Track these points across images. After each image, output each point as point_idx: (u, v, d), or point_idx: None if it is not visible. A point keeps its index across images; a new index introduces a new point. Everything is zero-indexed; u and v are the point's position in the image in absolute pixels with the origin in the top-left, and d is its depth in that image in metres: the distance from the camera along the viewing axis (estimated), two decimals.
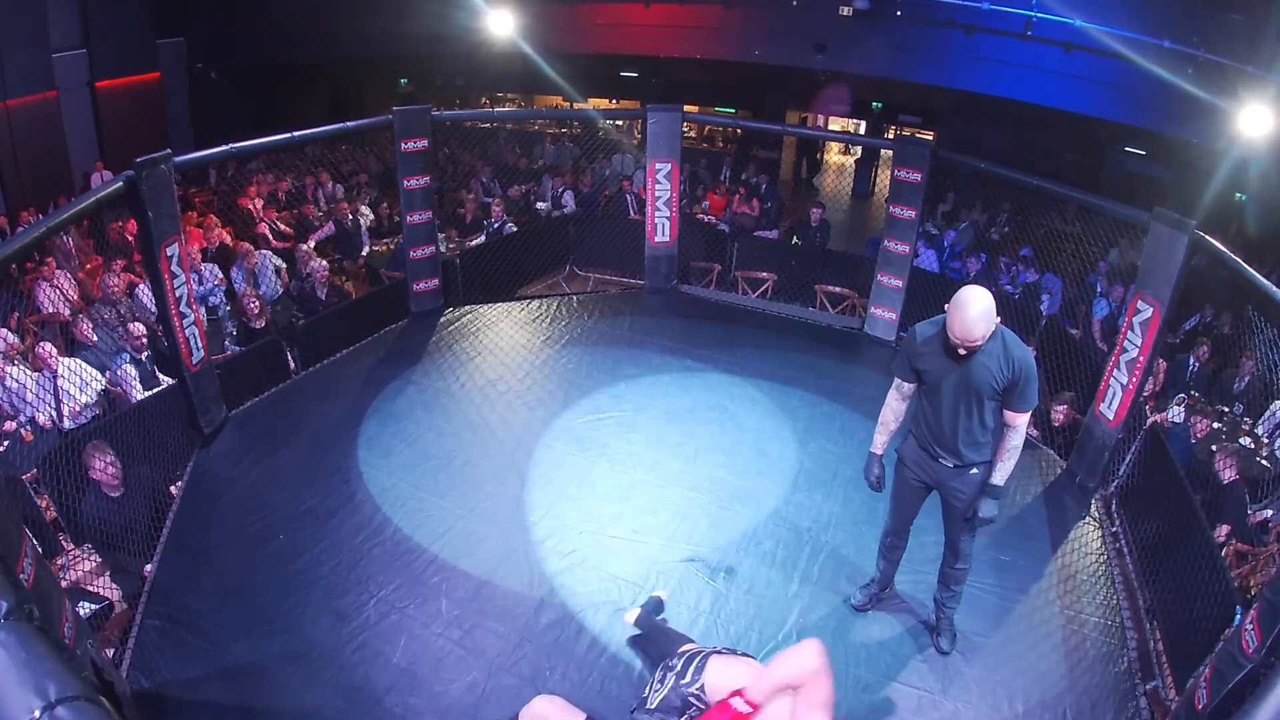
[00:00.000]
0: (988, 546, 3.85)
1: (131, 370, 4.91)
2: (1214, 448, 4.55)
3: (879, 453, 3.13)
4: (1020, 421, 2.79)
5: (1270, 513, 4.34)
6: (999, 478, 2.89)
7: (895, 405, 3.06)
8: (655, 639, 3.11)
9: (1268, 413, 5.38)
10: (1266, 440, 5.17)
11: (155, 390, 4.78)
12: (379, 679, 3.05)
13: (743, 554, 3.82)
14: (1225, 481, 4.30)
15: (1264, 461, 4.82)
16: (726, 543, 3.89)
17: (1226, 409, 5.59)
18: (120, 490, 3.69)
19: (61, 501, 3.65)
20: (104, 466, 3.60)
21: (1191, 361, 5.97)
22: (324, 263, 6.17)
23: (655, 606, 3.40)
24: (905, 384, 2.96)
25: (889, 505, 3.29)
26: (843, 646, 3.31)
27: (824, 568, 3.75)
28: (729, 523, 4.03)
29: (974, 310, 2.53)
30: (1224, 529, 4.14)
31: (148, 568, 3.63)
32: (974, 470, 2.91)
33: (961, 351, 2.64)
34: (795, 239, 7.96)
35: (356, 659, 3.14)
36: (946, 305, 2.65)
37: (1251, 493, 4.47)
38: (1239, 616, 2.91)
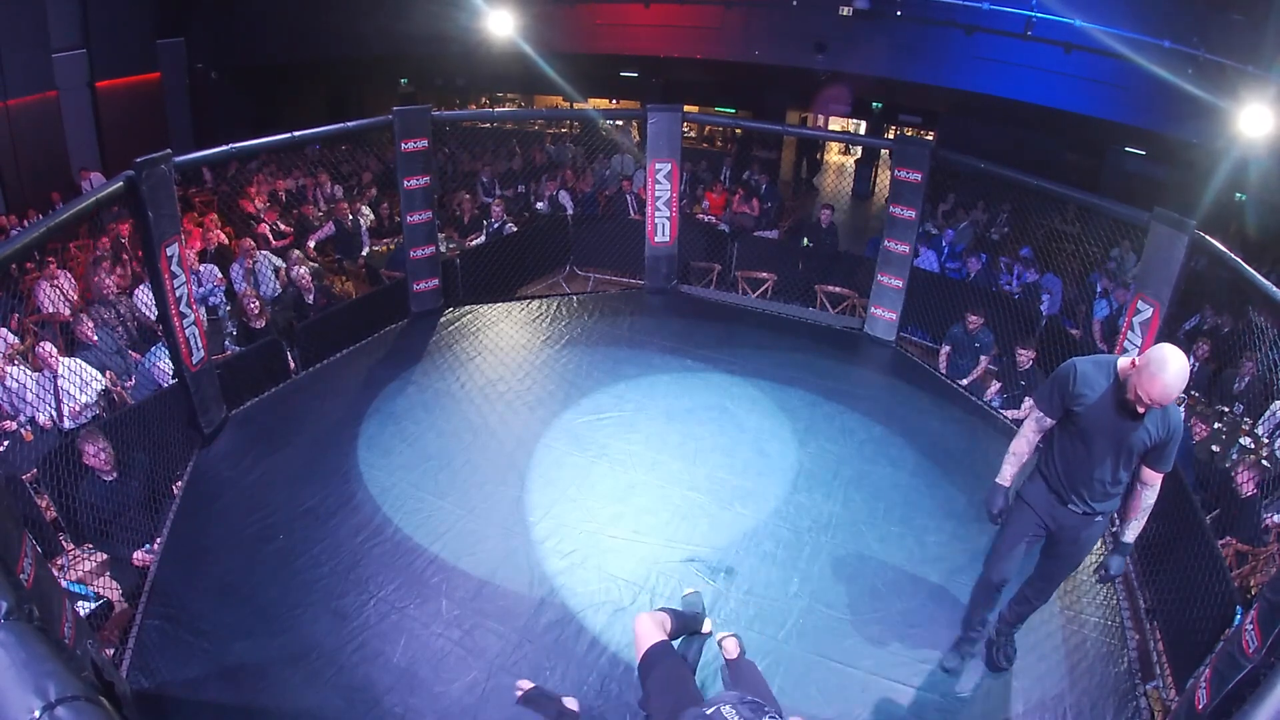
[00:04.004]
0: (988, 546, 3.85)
1: (167, 365, 4.93)
2: (1233, 456, 4.49)
3: (1007, 485, 2.95)
4: (1158, 480, 2.72)
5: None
6: (1130, 535, 2.83)
7: (1032, 438, 2.90)
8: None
9: (1268, 413, 5.38)
10: (1266, 440, 5.17)
11: (155, 390, 4.78)
12: (379, 679, 3.05)
13: (743, 554, 3.81)
14: (1244, 496, 4.24)
15: (1264, 462, 4.81)
16: (726, 543, 3.89)
17: (1226, 409, 5.59)
18: (114, 475, 3.74)
19: (61, 501, 3.66)
20: (96, 452, 3.65)
21: (1191, 361, 5.98)
22: (305, 269, 6.09)
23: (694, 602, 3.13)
24: (1048, 419, 2.82)
25: (998, 552, 3.03)
26: (842, 647, 3.31)
27: (824, 568, 3.75)
28: (729, 523, 4.03)
29: (1177, 372, 2.37)
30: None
31: (139, 555, 3.64)
32: (1099, 518, 2.84)
33: (1140, 409, 2.50)
34: (807, 241, 7.92)
35: (356, 659, 3.14)
36: (1134, 360, 2.48)
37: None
38: (1239, 616, 2.91)
